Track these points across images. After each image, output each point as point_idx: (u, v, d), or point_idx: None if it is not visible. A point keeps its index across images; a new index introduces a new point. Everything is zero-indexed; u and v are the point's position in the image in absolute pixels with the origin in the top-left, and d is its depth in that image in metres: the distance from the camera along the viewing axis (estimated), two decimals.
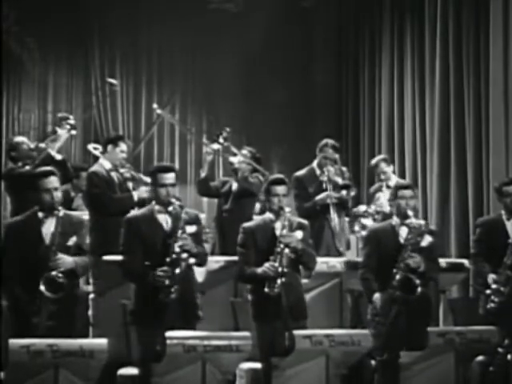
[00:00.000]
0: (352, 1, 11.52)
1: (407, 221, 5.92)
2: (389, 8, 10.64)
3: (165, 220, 5.44)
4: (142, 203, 6.56)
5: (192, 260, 5.34)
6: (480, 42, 8.92)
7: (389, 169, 8.40)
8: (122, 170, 6.94)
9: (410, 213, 5.92)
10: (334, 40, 11.85)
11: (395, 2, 10.55)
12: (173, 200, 5.40)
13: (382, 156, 8.80)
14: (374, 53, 10.97)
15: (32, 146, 7.17)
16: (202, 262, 5.59)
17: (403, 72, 10.29)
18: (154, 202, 5.52)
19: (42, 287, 5.10)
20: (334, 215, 7.46)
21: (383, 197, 8.20)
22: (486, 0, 8.83)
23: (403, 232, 5.93)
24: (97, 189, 6.79)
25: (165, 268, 5.22)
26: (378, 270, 5.90)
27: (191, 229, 5.41)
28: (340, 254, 7.43)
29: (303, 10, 12.09)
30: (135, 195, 6.81)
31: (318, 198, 7.47)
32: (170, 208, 5.39)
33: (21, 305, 5.21)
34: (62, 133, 7.19)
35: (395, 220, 6.02)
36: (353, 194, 7.61)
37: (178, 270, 5.24)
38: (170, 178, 5.46)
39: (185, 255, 5.28)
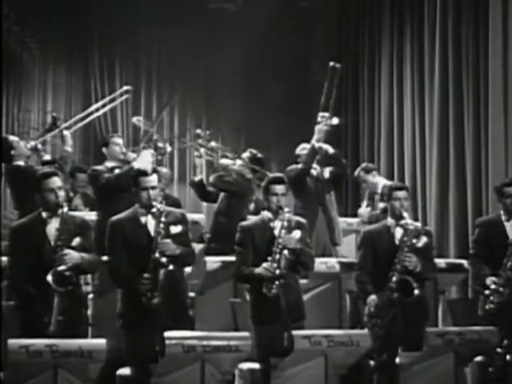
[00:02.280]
0: (352, 1, 11.53)
1: (402, 222, 5.91)
2: (388, 8, 10.65)
3: (149, 222, 5.46)
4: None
5: (171, 266, 5.32)
6: (479, 42, 8.92)
7: (369, 177, 8.56)
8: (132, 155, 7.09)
9: (405, 214, 5.92)
10: (334, 40, 11.85)
11: (395, 2, 10.56)
12: (154, 203, 5.42)
13: (362, 165, 9.02)
14: (373, 53, 10.97)
15: (29, 145, 7.20)
16: (185, 263, 5.60)
17: (403, 72, 10.30)
18: (137, 205, 5.53)
19: (50, 280, 5.11)
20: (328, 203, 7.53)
21: (363, 206, 8.55)
22: (485, 1, 8.84)
23: (398, 233, 5.93)
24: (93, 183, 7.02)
25: (146, 275, 5.25)
26: (373, 271, 5.90)
27: (176, 229, 5.43)
28: (335, 245, 7.46)
29: (303, 9, 12.11)
30: (135, 163, 6.86)
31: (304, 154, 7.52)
32: (154, 210, 5.41)
33: (32, 303, 5.22)
34: (67, 133, 7.32)
35: (390, 221, 6.00)
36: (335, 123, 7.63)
37: (159, 275, 5.27)
38: (150, 180, 5.50)
39: (164, 259, 5.29)
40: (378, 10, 10.89)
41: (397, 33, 10.45)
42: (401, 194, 5.99)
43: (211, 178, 7.58)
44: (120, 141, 7.29)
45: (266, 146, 12.17)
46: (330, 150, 7.59)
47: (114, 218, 5.57)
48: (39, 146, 7.25)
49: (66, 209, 5.37)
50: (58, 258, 5.21)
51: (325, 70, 11.82)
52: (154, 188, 5.49)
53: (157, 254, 5.29)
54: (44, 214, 5.38)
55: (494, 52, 8.61)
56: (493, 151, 8.54)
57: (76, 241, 5.35)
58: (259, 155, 7.77)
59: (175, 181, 12.27)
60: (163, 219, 5.38)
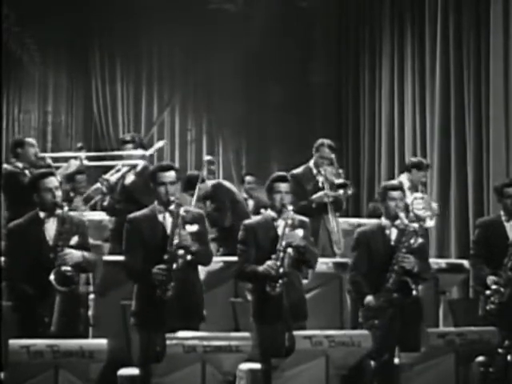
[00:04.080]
0: (352, 1, 11.53)
1: (397, 222, 5.89)
2: (389, 8, 10.65)
3: (166, 219, 5.43)
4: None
5: (189, 257, 5.30)
6: (480, 43, 8.94)
7: None
8: None
9: (402, 214, 5.89)
10: (334, 40, 11.86)
11: (395, 1, 10.56)
12: (172, 198, 5.39)
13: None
14: (374, 53, 10.98)
15: (40, 154, 7.22)
16: (203, 261, 5.57)
17: (403, 72, 10.31)
18: (156, 202, 5.52)
19: (53, 280, 5.11)
20: (330, 215, 7.48)
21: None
22: (486, 1, 8.84)
23: (393, 234, 5.91)
24: None
25: (161, 266, 5.21)
26: (368, 272, 5.88)
27: (192, 228, 5.40)
28: (334, 255, 7.45)
29: (303, 10, 12.11)
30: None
31: (315, 196, 7.48)
32: (172, 207, 5.38)
33: (30, 303, 5.21)
34: (75, 164, 7.30)
35: (384, 221, 5.98)
36: (350, 192, 7.62)
37: (174, 266, 5.21)
38: (169, 176, 5.43)
39: (181, 251, 5.26)
40: (378, 10, 10.89)
41: (397, 33, 10.46)
42: (396, 194, 5.93)
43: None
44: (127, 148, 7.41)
45: (267, 146, 12.21)
46: (336, 181, 7.58)
47: (132, 215, 5.54)
48: (49, 160, 7.24)
49: (66, 208, 5.37)
50: (60, 257, 5.21)
51: (325, 70, 11.95)
52: (172, 183, 5.43)
53: (173, 246, 5.23)
54: (41, 214, 5.38)
55: (495, 52, 8.62)
56: (494, 152, 8.55)
57: (74, 240, 5.36)
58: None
59: None
60: (182, 213, 5.32)
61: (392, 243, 5.86)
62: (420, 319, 5.92)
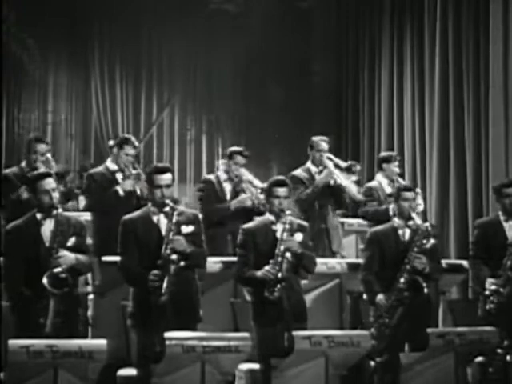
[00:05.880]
0: (351, 2, 11.54)
1: (410, 222, 5.93)
2: (388, 8, 10.66)
3: (160, 221, 5.43)
4: (128, 196, 6.79)
5: (182, 263, 5.30)
6: (480, 43, 8.93)
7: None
8: (132, 171, 7.02)
9: (414, 214, 5.94)
10: (334, 40, 11.87)
11: (395, 2, 10.57)
12: (167, 201, 5.39)
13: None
14: (373, 53, 10.98)
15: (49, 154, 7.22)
16: (198, 263, 5.55)
17: (403, 73, 10.31)
18: (150, 204, 5.51)
19: (45, 282, 5.12)
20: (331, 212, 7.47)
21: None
22: (485, 2, 8.85)
23: (406, 234, 5.95)
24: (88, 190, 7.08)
25: (155, 271, 5.21)
26: (379, 272, 5.90)
27: (188, 229, 5.40)
28: (333, 254, 7.43)
29: (303, 10, 12.12)
30: (120, 189, 6.85)
31: (319, 178, 7.43)
32: (166, 209, 5.38)
33: (27, 304, 5.23)
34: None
35: (397, 222, 6.02)
36: (358, 168, 7.54)
37: (168, 273, 5.22)
38: (165, 179, 5.43)
39: (174, 257, 5.26)
40: (378, 11, 10.90)
41: (397, 33, 10.47)
42: (409, 194, 6.04)
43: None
44: (132, 151, 7.26)
45: (267, 146, 12.21)
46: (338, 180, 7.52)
47: (126, 216, 5.52)
48: (48, 154, 7.21)
49: (60, 210, 5.37)
50: (54, 259, 5.21)
51: (325, 70, 11.94)
52: (168, 186, 5.44)
53: (167, 251, 5.25)
54: (38, 216, 5.39)
55: (494, 53, 8.62)
56: (493, 152, 8.55)
57: (71, 241, 5.37)
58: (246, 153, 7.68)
59: (176, 180, 12.28)
60: (175, 217, 5.34)
61: (405, 243, 5.89)
62: (429, 319, 5.94)
